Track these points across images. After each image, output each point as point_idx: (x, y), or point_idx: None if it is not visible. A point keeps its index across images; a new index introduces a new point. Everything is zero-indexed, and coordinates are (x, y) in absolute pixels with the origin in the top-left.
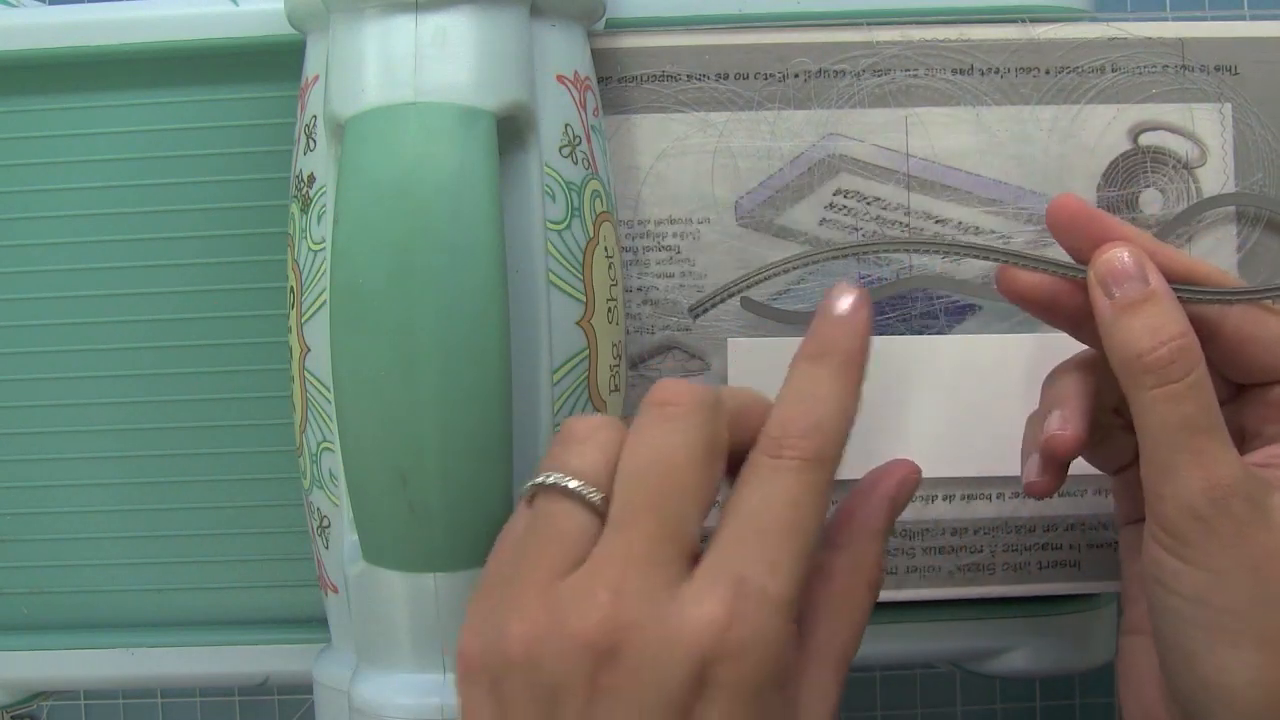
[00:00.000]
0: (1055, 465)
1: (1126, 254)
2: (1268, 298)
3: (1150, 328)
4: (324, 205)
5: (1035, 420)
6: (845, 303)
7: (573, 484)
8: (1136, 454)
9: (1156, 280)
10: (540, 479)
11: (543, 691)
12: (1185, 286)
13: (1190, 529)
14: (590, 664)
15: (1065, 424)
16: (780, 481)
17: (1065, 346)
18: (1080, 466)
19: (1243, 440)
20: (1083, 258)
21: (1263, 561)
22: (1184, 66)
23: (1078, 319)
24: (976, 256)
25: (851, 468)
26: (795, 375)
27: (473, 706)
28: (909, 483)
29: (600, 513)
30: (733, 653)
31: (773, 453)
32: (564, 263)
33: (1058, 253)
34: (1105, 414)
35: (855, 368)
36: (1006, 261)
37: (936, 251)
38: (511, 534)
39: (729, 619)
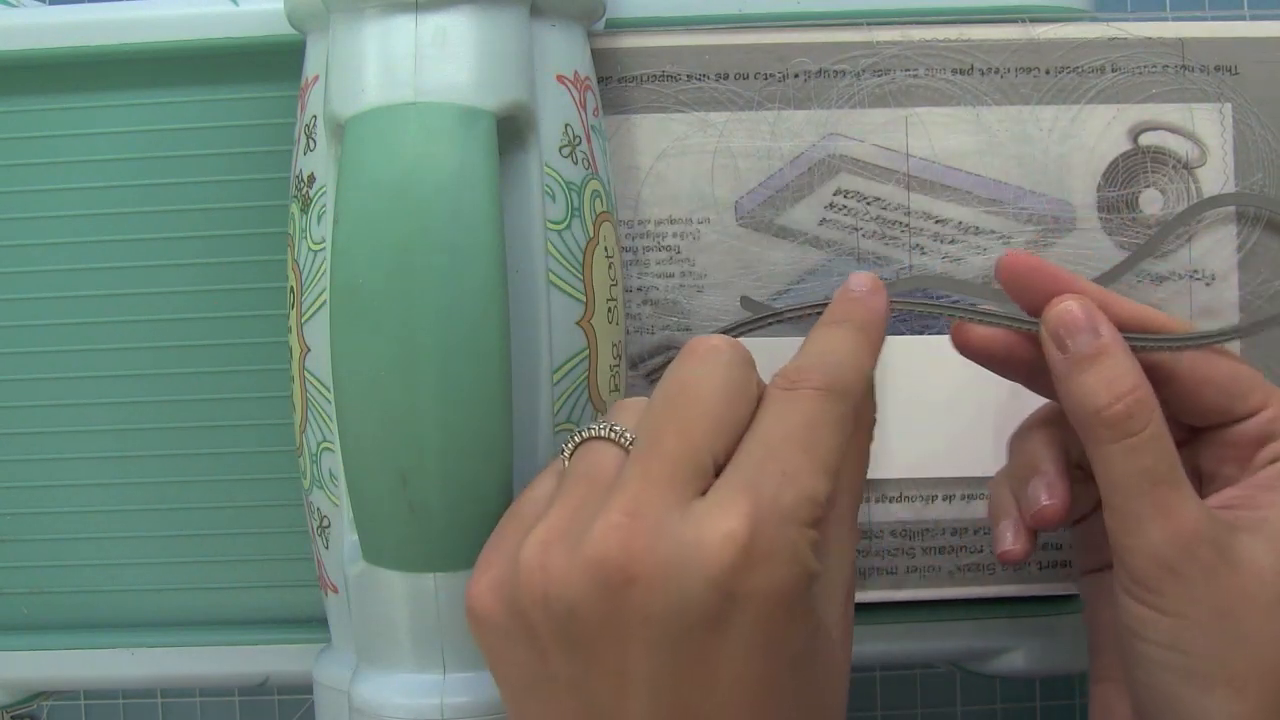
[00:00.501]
0: (1034, 533)
1: (1077, 306)
2: (1218, 342)
3: (1106, 381)
4: (324, 205)
5: (1004, 483)
6: (862, 287)
7: (606, 429)
8: (1096, 504)
9: (1108, 332)
10: (577, 432)
11: (563, 618)
12: (1137, 335)
13: (1159, 578)
14: (608, 586)
15: (1051, 494)
16: (794, 405)
17: None
18: None
19: (1200, 482)
20: (1035, 311)
21: (1232, 604)
22: (1184, 66)
23: (1033, 372)
24: (933, 312)
25: None
26: (812, 335)
27: (497, 650)
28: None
29: None
30: (755, 564)
31: (786, 386)
32: (564, 263)
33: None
34: (1070, 468)
35: (872, 331)
36: (958, 318)
37: (896, 308)
38: (531, 489)
39: (748, 531)
